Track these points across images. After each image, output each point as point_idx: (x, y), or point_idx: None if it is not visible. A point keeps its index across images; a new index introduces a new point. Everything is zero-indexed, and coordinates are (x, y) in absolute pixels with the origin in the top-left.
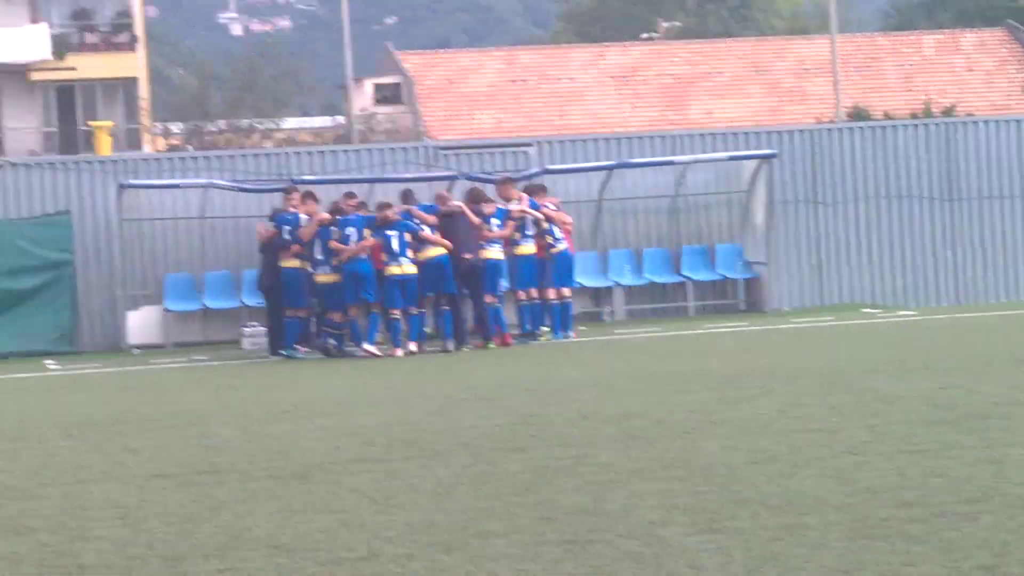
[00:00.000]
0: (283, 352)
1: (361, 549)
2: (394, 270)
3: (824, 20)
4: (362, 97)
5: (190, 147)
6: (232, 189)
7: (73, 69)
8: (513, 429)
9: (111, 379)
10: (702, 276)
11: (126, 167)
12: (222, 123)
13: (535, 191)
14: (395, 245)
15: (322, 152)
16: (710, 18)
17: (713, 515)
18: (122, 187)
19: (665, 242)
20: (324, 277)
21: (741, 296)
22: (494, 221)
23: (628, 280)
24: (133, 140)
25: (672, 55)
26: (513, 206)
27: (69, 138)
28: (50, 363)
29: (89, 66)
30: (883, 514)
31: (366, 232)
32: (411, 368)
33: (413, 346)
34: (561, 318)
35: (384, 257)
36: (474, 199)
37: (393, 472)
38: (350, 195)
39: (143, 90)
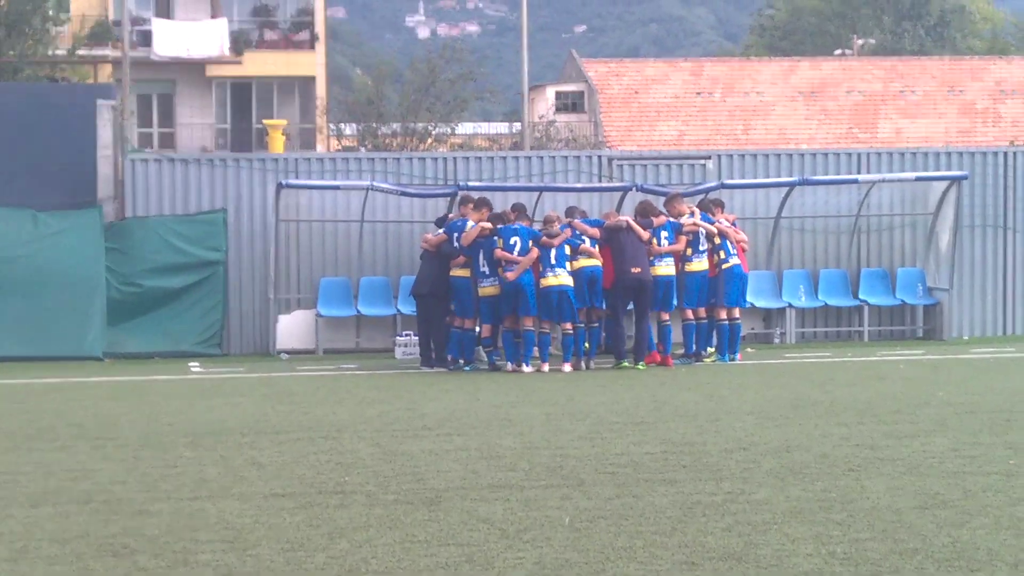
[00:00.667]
0: (443, 362)
1: None
2: (550, 281)
3: None
4: (543, 104)
5: (363, 149)
6: (394, 192)
7: (239, 64)
8: (665, 458)
9: (253, 385)
10: (880, 300)
11: (286, 166)
12: (396, 126)
13: (712, 206)
14: (553, 256)
15: (491, 158)
16: (906, 36)
17: (875, 567)
18: (280, 187)
19: (843, 263)
20: (487, 289)
21: (920, 323)
22: (663, 234)
23: (802, 302)
24: (307, 140)
25: (864, 72)
26: (685, 219)
27: (242, 136)
28: (194, 365)
29: (267, 63)
30: None
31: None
32: (564, 387)
33: (568, 367)
34: (729, 340)
35: (540, 268)
36: (643, 213)
37: (530, 501)
38: (518, 208)
39: (320, 89)
